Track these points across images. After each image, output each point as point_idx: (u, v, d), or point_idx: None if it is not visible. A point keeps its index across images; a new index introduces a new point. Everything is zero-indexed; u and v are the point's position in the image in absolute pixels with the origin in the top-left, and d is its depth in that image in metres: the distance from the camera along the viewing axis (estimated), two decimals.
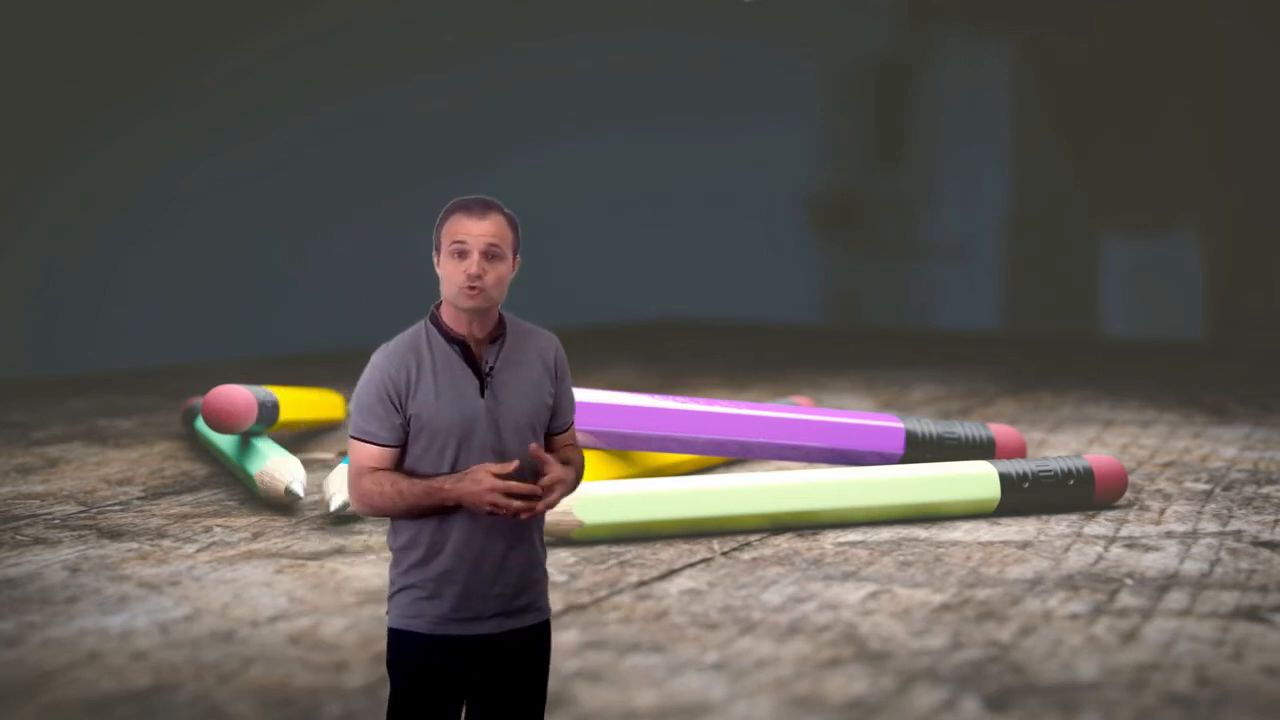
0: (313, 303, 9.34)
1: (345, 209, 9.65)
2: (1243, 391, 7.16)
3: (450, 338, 2.16)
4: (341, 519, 4.22)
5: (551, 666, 2.94)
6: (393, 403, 2.13)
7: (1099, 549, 3.89)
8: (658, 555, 3.83)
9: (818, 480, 4.19)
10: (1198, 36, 10.04)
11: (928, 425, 4.83)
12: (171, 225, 8.86)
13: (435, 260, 2.17)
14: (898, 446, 4.74)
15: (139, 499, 4.57)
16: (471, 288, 2.11)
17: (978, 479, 4.28)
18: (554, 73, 10.40)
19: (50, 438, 5.76)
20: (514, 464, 2.11)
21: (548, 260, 10.63)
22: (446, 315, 2.17)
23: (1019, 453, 4.90)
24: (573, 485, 2.20)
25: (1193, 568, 3.68)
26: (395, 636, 2.18)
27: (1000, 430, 4.95)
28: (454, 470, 2.13)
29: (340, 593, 3.46)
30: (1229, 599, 3.39)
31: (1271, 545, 3.93)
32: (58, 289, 8.45)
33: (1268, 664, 2.94)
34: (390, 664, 2.20)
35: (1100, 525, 4.18)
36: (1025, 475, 4.30)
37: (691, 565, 3.72)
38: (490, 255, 2.12)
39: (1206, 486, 4.74)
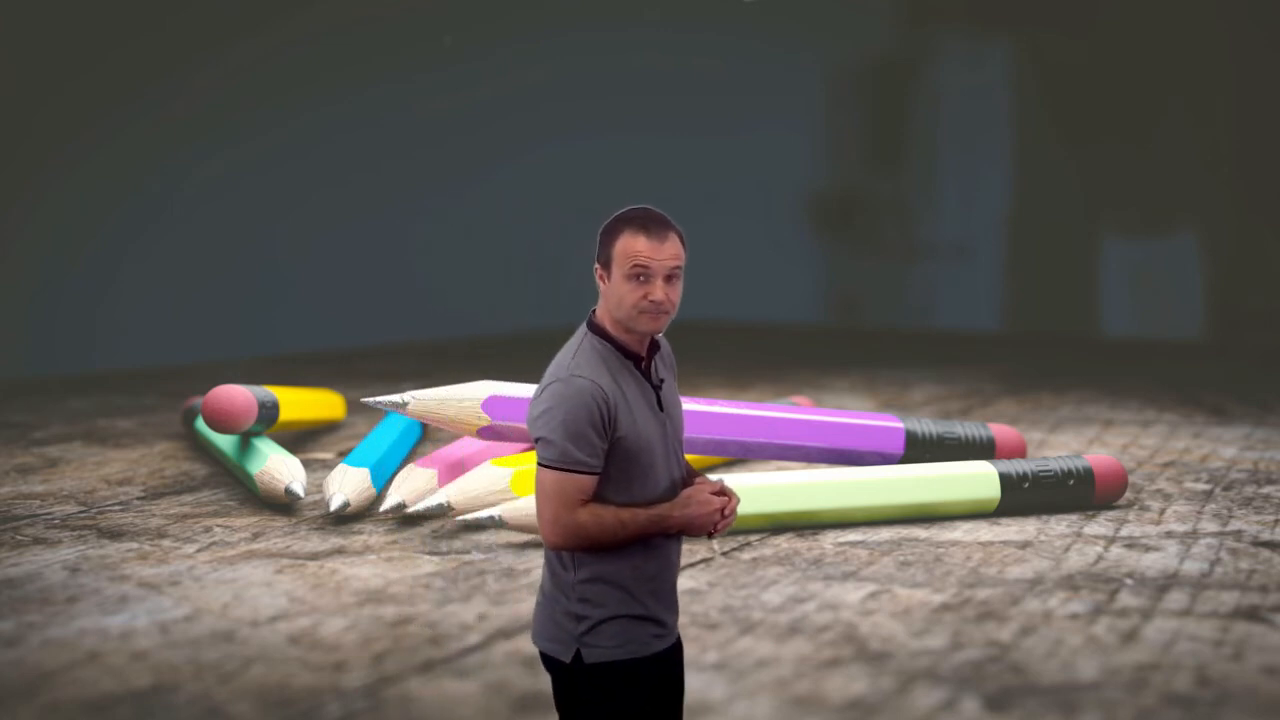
0: (313, 303, 9.34)
1: (345, 209, 9.65)
2: (1243, 391, 7.16)
3: (627, 353, 2.09)
4: (341, 519, 4.22)
5: None
6: (605, 428, 2.02)
7: (1099, 549, 3.89)
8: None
9: (818, 480, 4.19)
10: (1198, 37, 10.04)
11: (928, 425, 4.83)
12: (171, 225, 8.86)
13: (599, 274, 2.08)
14: (898, 446, 4.74)
15: (139, 499, 4.57)
16: (657, 313, 2.05)
17: (978, 479, 4.28)
18: (553, 73, 10.40)
19: (50, 438, 5.76)
20: (720, 482, 2.09)
21: (548, 260, 10.63)
22: (612, 329, 2.08)
23: (1019, 453, 4.90)
24: None
25: (1193, 568, 3.68)
26: (604, 669, 2.07)
27: (1000, 430, 4.96)
28: (648, 488, 2.06)
29: (340, 593, 3.46)
30: (1229, 599, 3.39)
31: (1271, 545, 3.93)
32: (58, 289, 8.45)
33: (1268, 664, 2.94)
34: (595, 700, 2.08)
35: (1100, 525, 4.18)
36: (1025, 475, 4.30)
37: (691, 565, 3.73)
38: (672, 278, 2.06)
39: (1206, 486, 4.74)
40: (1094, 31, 10.48)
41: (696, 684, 2.81)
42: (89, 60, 8.40)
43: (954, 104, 11.05)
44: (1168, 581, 3.55)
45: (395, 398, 4.22)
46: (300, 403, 5.36)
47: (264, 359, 8.54)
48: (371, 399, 4.25)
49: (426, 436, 5.55)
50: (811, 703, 2.72)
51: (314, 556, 3.81)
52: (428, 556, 3.80)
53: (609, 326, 2.09)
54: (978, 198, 10.97)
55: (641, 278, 2.04)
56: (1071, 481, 4.33)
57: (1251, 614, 3.27)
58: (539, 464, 2.03)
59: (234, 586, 3.51)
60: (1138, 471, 4.99)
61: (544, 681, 2.85)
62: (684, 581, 3.56)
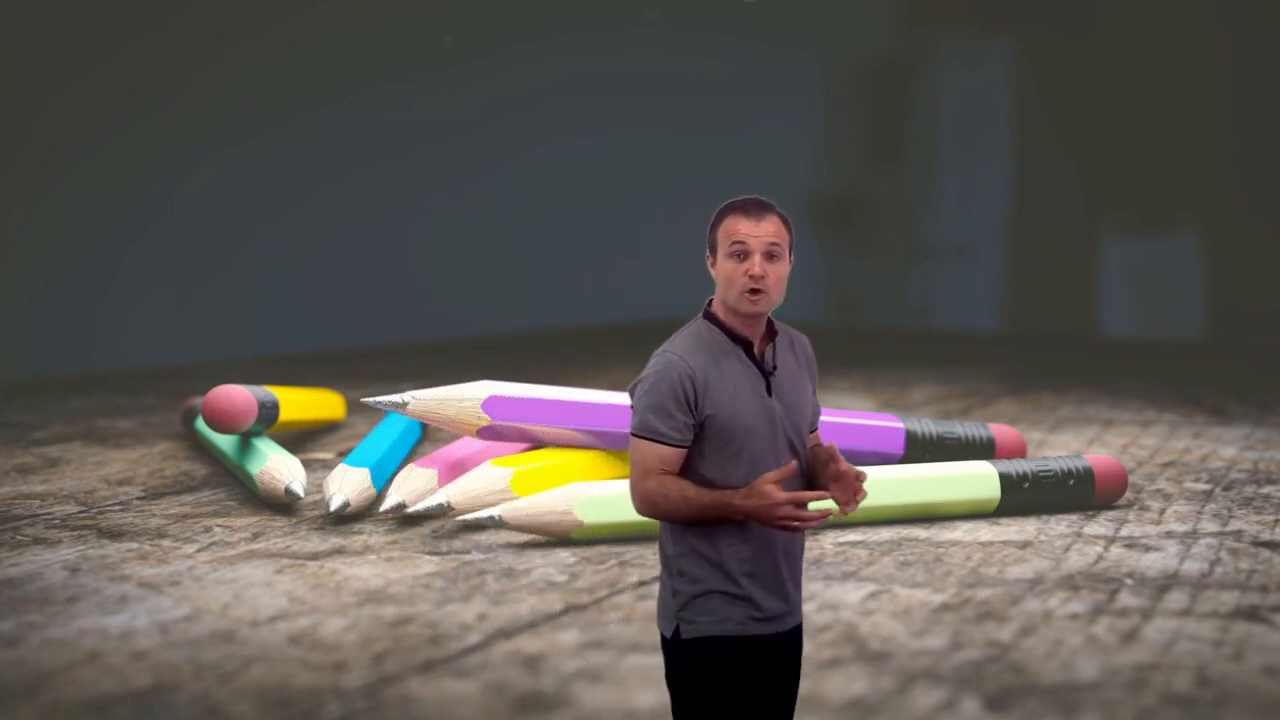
0: (313, 303, 9.34)
1: (344, 209, 9.64)
2: (1243, 391, 7.16)
3: (735, 338, 2.13)
4: (341, 519, 4.22)
5: (551, 666, 2.95)
6: (688, 403, 2.07)
7: (1099, 549, 3.89)
8: (658, 555, 3.83)
9: None
10: (1198, 37, 10.04)
11: (928, 425, 4.83)
12: (171, 225, 8.86)
13: (709, 262, 2.15)
14: (898, 446, 4.74)
15: (139, 499, 4.57)
16: (754, 290, 2.09)
17: (978, 479, 4.28)
18: (553, 73, 10.39)
19: (50, 438, 5.76)
20: (792, 466, 2.07)
21: (548, 260, 10.63)
22: (725, 315, 2.14)
23: (1019, 453, 4.90)
24: None
25: (1193, 568, 3.68)
26: (700, 645, 2.10)
27: (1000, 430, 4.96)
28: (746, 470, 2.08)
29: (340, 593, 3.46)
30: (1229, 599, 3.39)
31: (1271, 545, 3.93)
32: (58, 289, 8.45)
33: (1268, 664, 2.94)
34: (692, 676, 2.11)
35: (1100, 525, 4.18)
36: (1025, 475, 4.30)
37: None
38: (771, 256, 2.12)
39: (1206, 486, 4.74)
40: (1094, 31, 10.48)
41: None
42: (89, 60, 8.40)
43: (954, 104, 11.04)
44: (1168, 581, 3.55)
45: (395, 398, 4.22)
46: (300, 403, 5.36)
47: (264, 359, 8.53)
48: (371, 399, 4.26)
49: (426, 436, 5.55)
50: (811, 703, 2.72)
51: (314, 556, 3.81)
52: (428, 556, 3.81)
53: (720, 312, 2.15)
54: (978, 198, 10.97)
55: (741, 255, 2.11)
56: (1071, 481, 4.33)
57: (1251, 614, 3.27)
58: (629, 431, 2.13)
59: (234, 586, 3.51)
60: (1138, 471, 4.99)
61: (544, 682, 2.85)
62: None
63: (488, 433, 4.28)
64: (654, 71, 10.68)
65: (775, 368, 2.15)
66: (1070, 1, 10.59)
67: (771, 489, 2.03)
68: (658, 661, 2.94)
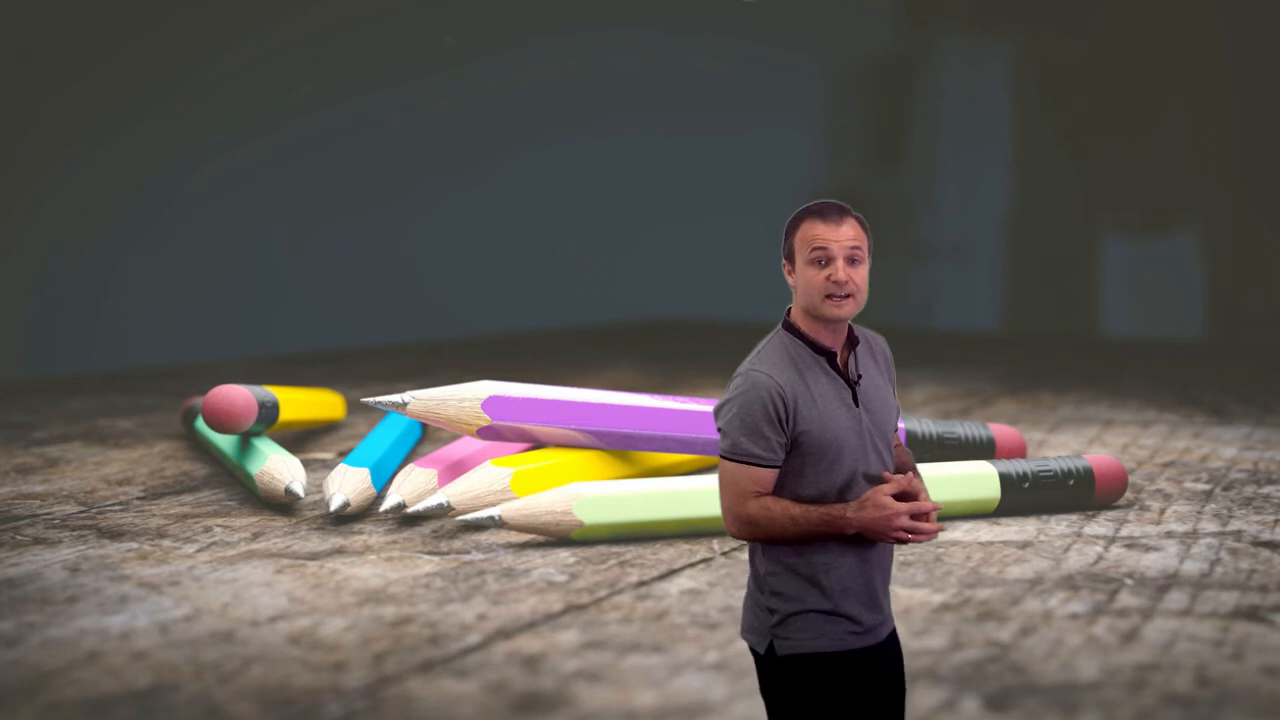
0: (313, 303, 9.34)
1: (345, 209, 9.65)
2: (1243, 391, 7.16)
3: (818, 349, 2.09)
4: (341, 519, 4.22)
5: (551, 666, 2.95)
6: (780, 423, 2.03)
7: (1099, 549, 3.89)
8: (658, 555, 3.83)
9: None
10: (1198, 37, 10.04)
11: (928, 425, 4.83)
12: (171, 225, 8.86)
13: (786, 270, 2.11)
14: None
15: (139, 499, 4.57)
16: (840, 296, 2.05)
17: (978, 479, 4.28)
18: (554, 73, 10.40)
19: (50, 438, 5.76)
20: (907, 478, 2.04)
21: (549, 260, 10.62)
22: (804, 325, 2.09)
23: (1019, 453, 4.90)
24: None
25: (1193, 568, 3.68)
26: (797, 661, 2.07)
27: (1000, 430, 4.96)
28: (840, 484, 2.06)
29: (340, 593, 3.46)
30: (1229, 599, 3.39)
31: (1271, 545, 3.93)
32: (58, 289, 8.45)
33: (1268, 664, 2.94)
34: (790, 691, 2.08)
35: (1100, 525, 4.18)
36: (1025, 475, 4.30)
37: (691, 565, 3.73)
38: (853, 260, 2.06)
39: (1206, 486, 4.74)
40: (1094, 31, 10.48)
41: (697, 684, 2.82)
42: (89, 60, 8.40)
43: (954, 104, 11.04)
44: (1168, 581, 3.55)
45: (395, 398, 4.22)
46: (300, 403, 5.37)
47: (264, 359, 8.53)
48: (371, 399, 4.26)
49: (426, 436, 5.55)
50: None
51: (314, 556, 3.81)
52: (428, 556, 3.81)
53: (800, 323, 2.11)
54: (978, 198, 10.97)
55: (822, 261, 2.06)
56: (1071, 481, 4.32)
57: (1251, 614, 3.27)
58: (719, 454, 2.08)
59: (234, 586, 3.51)
60: (1138, 471, 4.99)
61: (544, 682, 2.85)
62: (684, 581, 3.56)
63: (488, 433, 4.28)
64: (654, 71, 10.68)
65: (860, 376, 2.11)
66: (1070, 1, 10.59)
67: (888, 500, 2.00)
68: (658, 662, 2.95)
